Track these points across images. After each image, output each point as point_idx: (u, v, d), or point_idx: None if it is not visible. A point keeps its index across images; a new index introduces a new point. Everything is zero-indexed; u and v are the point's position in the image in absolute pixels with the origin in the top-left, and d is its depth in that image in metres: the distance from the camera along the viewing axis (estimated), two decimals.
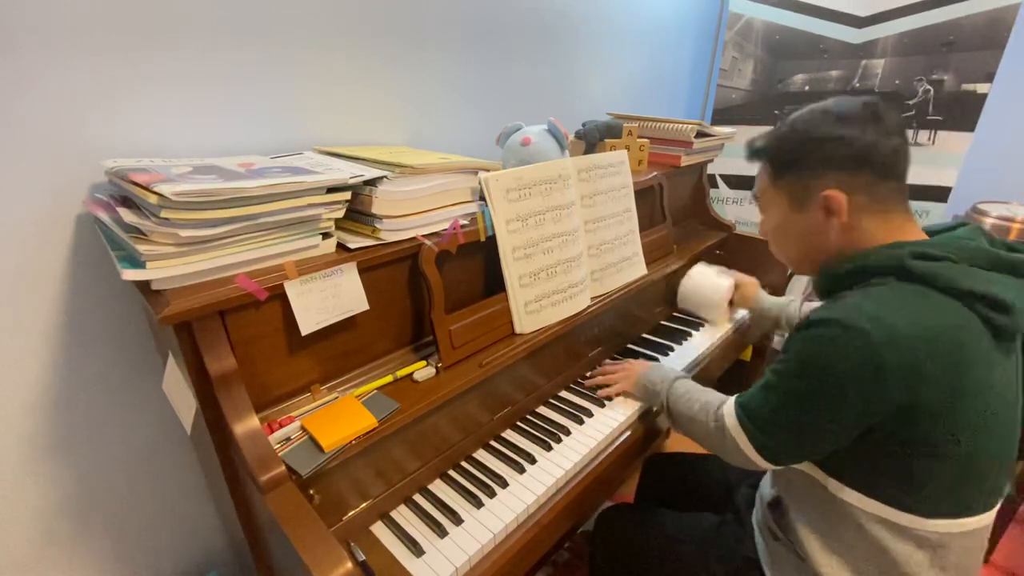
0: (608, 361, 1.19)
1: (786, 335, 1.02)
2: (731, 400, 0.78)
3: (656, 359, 1.22)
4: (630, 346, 1.28)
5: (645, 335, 1.33)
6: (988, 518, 0.67)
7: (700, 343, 1.29)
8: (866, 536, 0.68)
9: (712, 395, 0.86)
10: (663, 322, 1.39)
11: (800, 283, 2.15)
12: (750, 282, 1.31)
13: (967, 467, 0.63)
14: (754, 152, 0.79)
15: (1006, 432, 0.65)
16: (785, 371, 0.68)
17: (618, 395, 1.06)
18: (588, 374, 1.14)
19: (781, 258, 0.82)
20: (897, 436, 0.62)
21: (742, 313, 1.39)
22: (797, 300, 1.21)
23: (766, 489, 0.85)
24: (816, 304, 1.03)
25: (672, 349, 1.26)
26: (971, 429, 0.61)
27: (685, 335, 1.32)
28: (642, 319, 1.34)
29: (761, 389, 0.72)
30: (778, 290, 1.58)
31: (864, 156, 0.66)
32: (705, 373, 1.25)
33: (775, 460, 0.72)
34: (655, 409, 0.97)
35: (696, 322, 1.37)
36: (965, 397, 0.60)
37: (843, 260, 0.70)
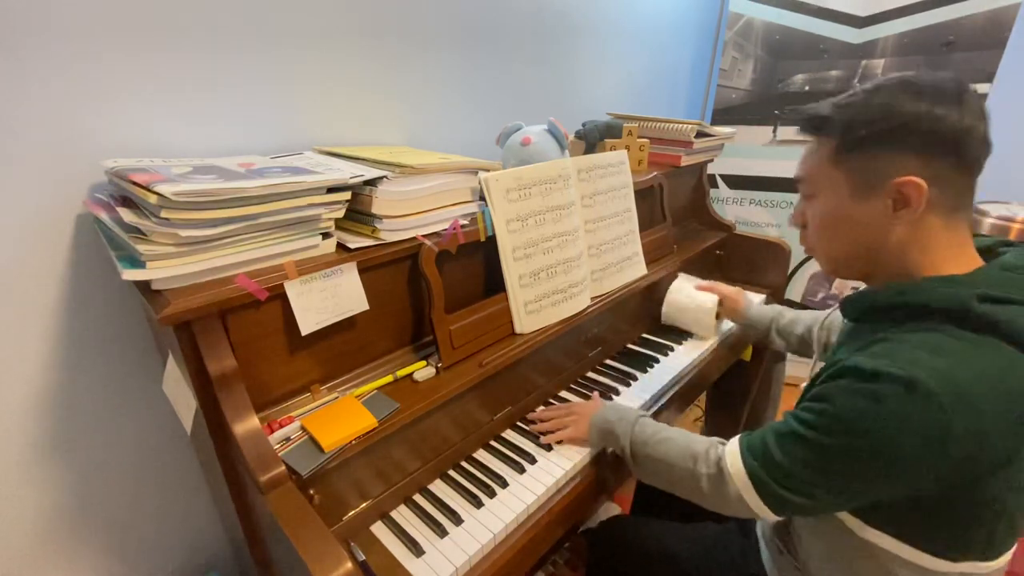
0: (542, 409, 1.03)
1: (814, 363, 0.93)
2: (732, 443, 0.69)
3: (657, 359, 1.22)
4: (630, 346, 1.28)
5: (645, 335, 1.33)
6: (1005, 559, 0.62)
7: (702, 343, 1.29)
8: (885, 575, 0.63)
9: (693, 437, 0.76)
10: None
11: (801, 284, 2.15)
12: (734, 293, 1.25)
13: (1009, 517, 0.57)
14: (815, 123, 0.64)
15: None
16: (820, 425, 0.58)
17: (568, 442, 0.93)
18: (529, 416, 1.01)
19: (819, 253, 0.69)
20: (945, 493, 0.56)
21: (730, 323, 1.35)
22: (787, 310, 1.16)
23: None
24: (836, 321, 0.95)
25: (672, 349, 1.26)
26: (1018, 487, 0.56)
27: (686, 335, 1.32)
28: (643, 319, 1.34)
29: (782, 437, 0.62)
30: (778, 291, 1.58)
31: (956, 140, 0.56)
32: (706, 372, 1.25)
33: (783, 513, 0.64)
34: (609, 451, 0.86)
35: None
36: (1020, 455, 0.54)
37: (892, 291, 0.61)
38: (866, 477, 0.56)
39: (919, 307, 0.58)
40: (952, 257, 0.60)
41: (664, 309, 1.33)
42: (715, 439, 0.73)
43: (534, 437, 0.97)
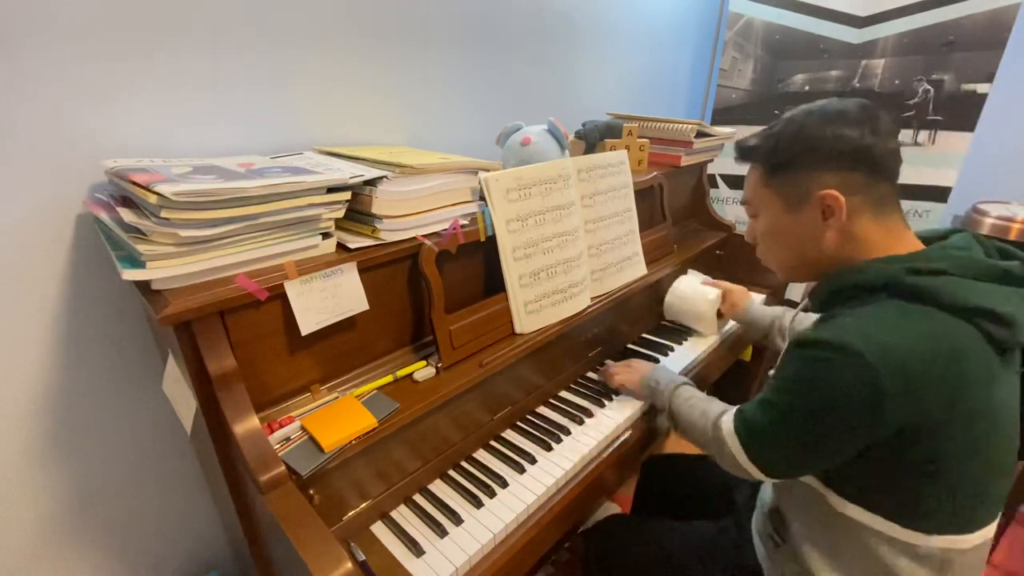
0: (610, 361, 1.18)
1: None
2: (732, 410, 0.77)
3: (657, 359, 1.22)
4: (630, 346, 1.28)
5: (645, 335, 1.33)
6: (990, 531, 0.66)
7: (701, 343, 1.29)
8: (869, 553, 0.67)
9: (714, 404, 0.85)
10: (664, 322, 1.39)
11: (801, 283, 2.15)
12: (739, 291, 1.27)
13: (969, 484, 0.61)
14: (745, 152, 0.76)
15: (1008, 446, 0.64)
16: (781, 388, 0.67)
17: (621, 386, 1.07)
18: (595, 371, 1.14)
19: (771, 264, 0.79)
20: (896, 455, 0.61)
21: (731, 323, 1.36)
22: (790, 310, 1.17)
23: (766, 495, 0.84)
24: (808, 317, 1.01)
25: (672, 349, 1.26)
26: (972, 446, 0.60)
27: (686, 334, 1.32)
28: (642, 319, 1.34)
29: (759, 403, 0.71)
30: (778, 291, 1.58)
31: (862, 155, 0.65)
32: (705, 372, 1.25)
33: (769, 473, 0.71)
34: (658, 407, 0.97)
35: None
36: (965, 415, 0.58)
37: (838, 275, 0.69)
38: (825, 434, 0.62)
39: (863, 285, 0.65)
40: (890, 244, 0.67)
41: (667, 299, 1.33)
42: (729, 407, 0.80)
43: (534, 437, 0.97)
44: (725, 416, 0.77)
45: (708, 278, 1.34)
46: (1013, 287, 0.61)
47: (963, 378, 0.58)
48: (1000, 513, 0.67)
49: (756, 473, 0.71)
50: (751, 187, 0.77)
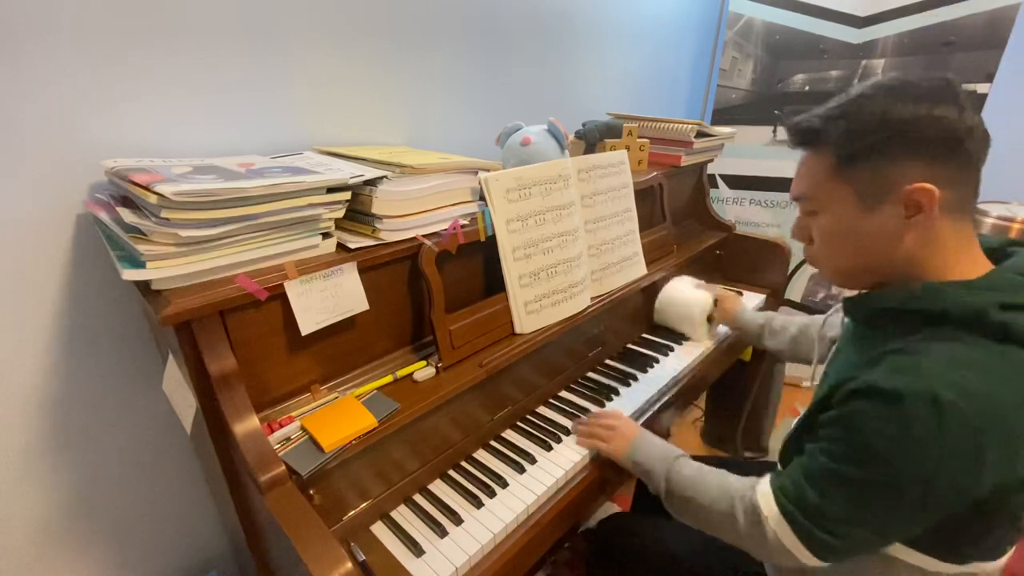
0: (594, 411, 1.01)
1: (814, 364, 0.90)
2: (763, 485, 0.64)
3: (656, 359, 1.22)
4: (630, 346, 1.28)
5: (645, 335, 1.33)
6: (1011, 551, 0.61)
7: (701, 343, 1.29)
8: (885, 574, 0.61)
9: (728, 479, 0.72)
10: None
11: (801, 284, 2.15)
12: (732, 297, 1.24)
13: (1011, 523, 0.57)
14: (808, 136, 0.62)
15: None
16: (850, 457, 0.55)
17: (606, 455, 0.91)
18: (572, 425, 0.99)
19: (825, 268, 0.67)
20: (980, 509, 0.53)
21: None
22: (777, 316, 1.16)
23: None
24: (837, 319, 0.91)
25: (671, 349, 1.26)
26: None
27: (686, 335, 1.32)
28: (642, 319, 1.34)
29: (813, 475, 0.59)
30: (778, 291, 1.58)
31: (959, 141, 0.54)
32: (705, 372, 1.24)
33: (828, 557, 0.60)
34: (650, 488, 0.83)
35: None
36: None
37: (908, 296, 0.58)
38: (904, 506, 0.53)
39: (936, 313, 0.55)
40: (960, 259, 0.58)
41: (657, 304, 1.32)
42: (751, 480, 0.69)
43: (534, 437, 0.97)
44: (759, 493, 0.64)
45: (700, 282, 1.33)
46: None
47: None
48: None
49: (807, 558, 0.60)
50: (811, 178, 0.63)
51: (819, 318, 0.98)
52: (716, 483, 0.71)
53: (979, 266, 0.59)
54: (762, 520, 0.62)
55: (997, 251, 0.63)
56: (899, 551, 0.59)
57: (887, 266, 0.61)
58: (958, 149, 0.55)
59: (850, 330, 0.70)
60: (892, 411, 0.51)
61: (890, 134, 0.56)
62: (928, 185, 0.55)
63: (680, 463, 0.79)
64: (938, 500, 0.52)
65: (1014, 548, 0.62)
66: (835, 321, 0.96)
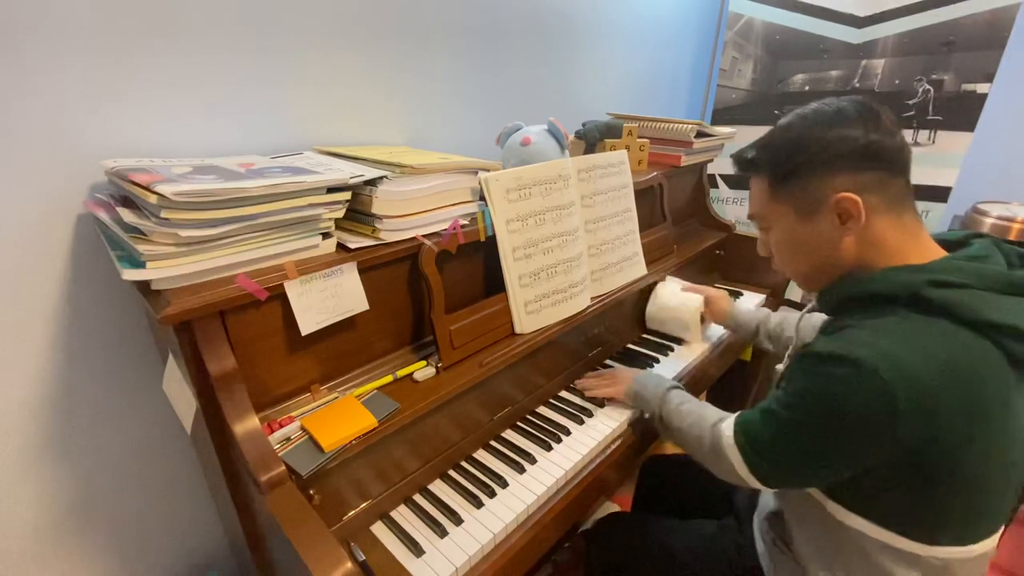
0: (590, 373, 1.13)
1: (785, 356, 0.97)
2: (731, 418, 0.76)
3: (657, 359, 1.22)
4: (630, 346, 1.28)
5: (645, 335, 1.33)
6: (994, 541, 0.64)
7: (701, 342, 1.29)
8: (869, 563, 0.66)
9: (708, 409, 0.84)
10: None
11: None
12: (721, 296, 1.25)
13: (978, 498, 0.60)
14: (745, 164, 0.73)
15: (1019, 461, 0.61)
16: (790, 402, 0.64)
17: (606, 399, 1.04)
18: (575, 382, 1.11)
19: (790, 275, 0.76)
20: (903, 471, 0.59)
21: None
22: (774, 314, 1.16)
23: (768, 498, 0.84)
24: (817, 316, 0.98)
25: (671, 349, 1.26)
26: (984, 463, 0.58)
27: (680, 338, 1.32)
28: (642, 319, 1.34)
29: (763, 413, 0.69)
30: (778, 291, 1.58)
31: (871, 152, 0.62)
32: (705, 371, 1.25)
33: (768, 484, 0.70)
34: (646, 416, 0.96)
35: None
36: (981, 435, 0.56)
37: (854, 281, 0.66)
38: (828, 448, 0.61)
39: (880, 295, 0.63)
40: (907, 250, 0.65)
41: (648, 309, 1.31)
42: (725, 414, 0.79)
43: (534, 437, 0.97)
44: (724, 423, 0.76)
45: (688, 284, 1.32)
46: None
47: (980, 400, 0.56)
48: (1004, 524, 0.65)
49: (754, 483, 0.71)
50: (758, 200, 0.73)
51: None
52: (697, 413, 0.84)
53: (928, 255, 0.64)
54: (722, 446, 0.74)
55: (958, 242, 0.68)
56: (868, 528, 0.64)
57: (839, 266, 0.68)
58: (874, 160, 0.63)
59: (824, 322, 0.75)
60: (821, 368, 0.60)
61: (808, 155, 0.65)
62: (850, 194, 0.63)
63: (672, 393, 0.92)
64: (855, 445, 0.59)
65: (995, 537, 0.64)
66: (813, 317, 1.00)
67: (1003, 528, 0.66)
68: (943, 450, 0.56)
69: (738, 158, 0.74)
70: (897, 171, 0.64)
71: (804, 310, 0.97)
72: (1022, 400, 0.59)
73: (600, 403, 1.06)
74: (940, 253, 0.65)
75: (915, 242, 0.65)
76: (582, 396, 1.09)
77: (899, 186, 0.64)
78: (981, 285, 0.58)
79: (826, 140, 0.64)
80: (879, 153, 0.63)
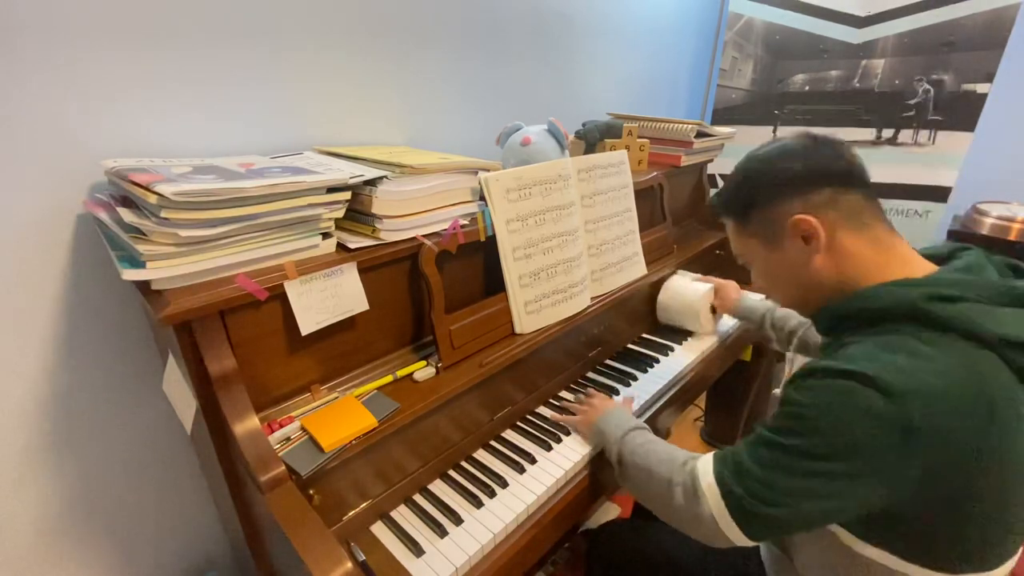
0: (583, 396, 1.05)
1: (786, 349, 0.97)
2: (708, 456, 0.67)
3: (657, 359, 1.21)
4: (630, 346, 1.28)
5: (645, 335, 1.33)
6: (1013, 562, 0.61)
7: (701, 343, 1.29)
8: None
9: (679, 451, 0.74)
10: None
11: None
12: (730, 285, 1.25)
13: (999, 520, 0.57)
14: (715, 210, 0.78)
15: None
16: (785, 426, 0.59)
17: (571, 427, 0.97)
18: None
19: (781, 301, 0.78)
20: (916, 498, 0.55)
21: (729, 323, 1.35)
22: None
23: None
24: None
25: (672, 349, 1.26)
26: (999, 486, 0.55)
27: (686, 334, 1.32)
28: (643, 319, 1.34)
29: (750, 444, 0.62)
30: None
31: (817, 173, 0.65)
32: (705, 372, 1.24)
33: (754, 534, 0.61)
34: (608, 458, 0.85)
35: None
36: (993, 453, 0.54)
37: (845, 300, 0.64)
38: (833, 477, 0.55)
39: (876, 311, 0.61)
40: (888, 262, 0.64)
41: (659, 299, 1.32)
42: (698, 454, 0.71)
43: (534, 437, 0.97)
44: (700, 460, 0.67)
45: (699, 276, 1.33)
46: None
47: (992, 414, 0.53)
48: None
49: (735, 534, 0.61)
50: (732, 239, 0.77)
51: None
52: (664, 452, 0.74)
53: (914, 266, 0.64)
54: (699, 490, 0.65)
55: (946, 256, 0.67)
56: (886, 559, 0.60)
57: (822, 285, 0.67)
58: (820, 180, 0.65)
59: (822, 344, 0.73)
60: (827, 383, 0.56)
61: (759, 188, 0.69)
62: (803, 215, 0.65)
63: (636, 433, 0.82)
64: (866, 471, 0.54)
65: (1014, 560, 0.61)
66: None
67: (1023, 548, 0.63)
68: (957, 471, 0.53)
69: (710, 204, 0.80)
70: (849, 185, 0.65)
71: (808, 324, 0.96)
72: None
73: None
74: (928, 266, 0.63)
75: (894, 254, 0.64)
76: (583, 396, 1.09)
77: (854, 199, 0.65)
78: (981, 298, 0.57)
79: (772, 172, 0.68)
80: (823, 173, 0.65)
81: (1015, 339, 0.54)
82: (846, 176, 0.65)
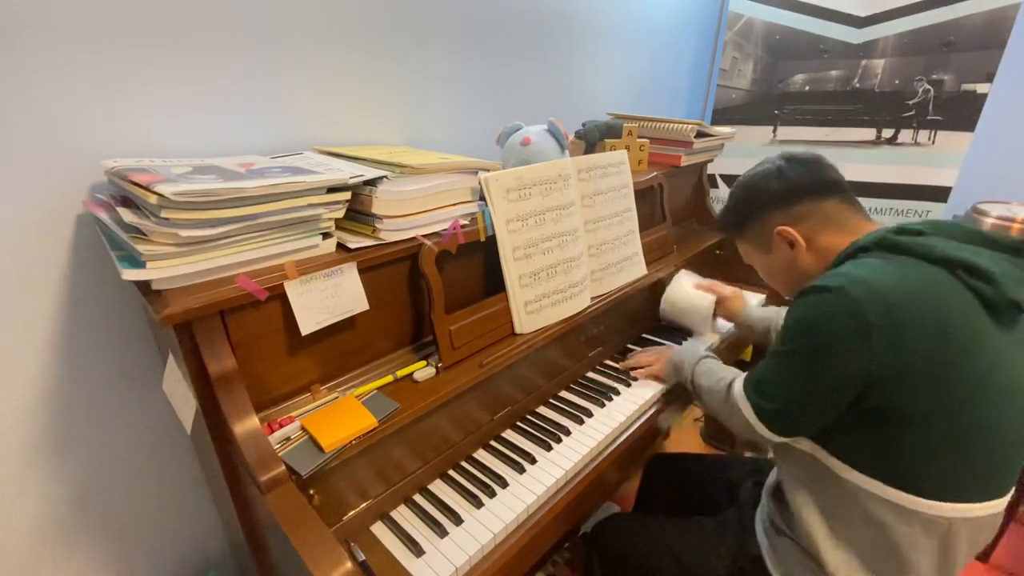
0: (638, 350, 1.22)
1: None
2: (743, 374, 0.85)
3: None
4: (630, 346, 1.28)
5: (645, 335, 1.33)
6: (997, 506, 0.66)
7: (705, 339, 1.28)
8: (871, 520, 0.68)
9: (730, 371, 0.92)
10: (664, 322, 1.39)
11: None
12: (734, 296, 1.26)
13: (967, 441, 0.62)
14: (719, 227, 0.96)
15: (1015, 414, 0.64)
16: (782, 338, 0.73)
17: (648, 376, 1.13)
18: (622, 364, 1.18)
19: (783, 293, 0.92)
20: (889, 406, 0.63)
21: (729, 323, 1.33)
22: (783, 310, 1.15)
23: (770, 481, 0.86)
24: None
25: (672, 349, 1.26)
26: (965, 400, 0.61)
27: (686, 334, 1.32)
28: (643, 319, 1.34)
29: (765, 361, 0.77)
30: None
31: (795, 189, 0.80)
32: None
33: (777, 428, 0.75)
34: (683, 380, 1.02)
35: None
36: (953, 365, 0.61)
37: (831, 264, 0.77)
38: (821, 376, 0.67)
39: (853, 252, 0.73)
40: (868, 232, 0.75)
41: (662, 306, 1.33)
42: (739, 372, 0.88)
43: (534, 437, 0.97)
44: (737, 380, 0.84)
45: (701, 280, 1.33)
46: (994, 251, 0.66)
47: (948, 325, 0.61)
48: (1010, 492, 0.67)
49: (763, 431, 0.76)
50: (740, 249, 0.95)
51: None
52: (718, 375, 0.92)
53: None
54: (735, 399, 0.82)
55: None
56: (863, 481, 0.68)
57: (810, 277, 0.77)
58: (797, 195, 0.81)
59: None
60: (806, 299, 0.69)
61: (748, 207, 0.87)
62: (784, 227, 0.81)
63: (704, 361, 0.99)
64: (840, 363, 0.64)
65: (998, 503, 0.65)
66: None
67: (1009, 492, 0.67)
68: (918, 378, 0.61)
69: (716, 224, 0.98)
70: (826, 194, 0.79)
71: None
72: (1005, 344, 0.62)
73: (601, 403, 1.06)
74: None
75: (864, 228, 0.77)
76: (583, 396, 1.09)
77: (830, 206, 0.79)
78: (940, 234, 0.68)
79: (756, 192, 0.85)
80: (799, 189, 0.81)
81: (960, 259, 0.63)
82: (821, 188, 0.80)
